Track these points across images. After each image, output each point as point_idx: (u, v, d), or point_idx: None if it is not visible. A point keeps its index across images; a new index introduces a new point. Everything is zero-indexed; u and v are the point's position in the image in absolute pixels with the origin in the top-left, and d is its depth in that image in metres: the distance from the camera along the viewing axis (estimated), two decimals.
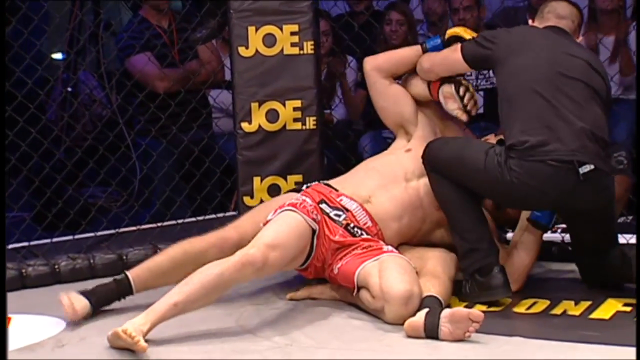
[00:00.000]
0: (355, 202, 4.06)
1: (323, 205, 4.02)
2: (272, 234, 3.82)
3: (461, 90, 4.17)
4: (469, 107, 4.18)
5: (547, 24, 4.06)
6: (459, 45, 4.11)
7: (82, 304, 3.88)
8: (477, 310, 3.55)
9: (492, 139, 4.18)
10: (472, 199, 3.95)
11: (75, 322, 3.87)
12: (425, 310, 3.63)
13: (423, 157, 4.06)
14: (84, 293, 3.92)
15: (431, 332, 3.56)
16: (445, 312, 3.57)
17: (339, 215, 4.02)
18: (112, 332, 3.55)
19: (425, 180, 4.09)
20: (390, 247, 3.98)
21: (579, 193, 3.77)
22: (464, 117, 4.20)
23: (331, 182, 4.19)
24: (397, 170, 4.16)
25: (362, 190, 4.09)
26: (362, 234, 4.00)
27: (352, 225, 4.01)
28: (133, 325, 3.54)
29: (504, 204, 4.13)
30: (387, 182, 4.10)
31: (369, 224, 4.04)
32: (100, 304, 3.94)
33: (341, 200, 4.06)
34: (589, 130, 3.78)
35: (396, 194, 4.09)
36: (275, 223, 3.89)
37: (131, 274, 3.99)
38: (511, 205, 4.13)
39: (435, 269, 3.93)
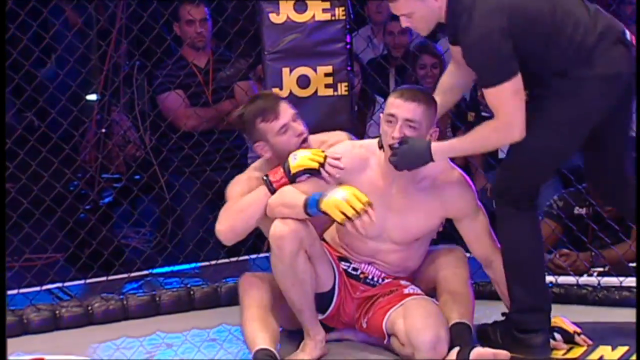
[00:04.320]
0: (362, 263, 4.00)
1: (343, 264, 3.98)
2: None
3: None
4: None
5: None
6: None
7: None
8: (503, 351, 3.55)
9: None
10: (542, 249, 3.85)
11: None
12: (456, 350, 3.65)
13: (493, 194, 3.85)
14: None
15: None
16: (473, 354, 3.60)
17: (356, 270, 3.98)
18: None
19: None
20: (412, 288, 3.94)
21: None
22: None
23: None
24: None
25: (361, 255, 3.99)
26: (381, 282, 3.97)
27: (370, 277, 3.98)
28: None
29: None
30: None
31: (384, 274, 3.99)
32: None
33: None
34: None
35: (390, 249, 3.95)
36: None
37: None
38: None
39: (452, 284, 3.90)
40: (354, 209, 3.63)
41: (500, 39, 3.56)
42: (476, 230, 3.89)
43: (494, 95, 3.61)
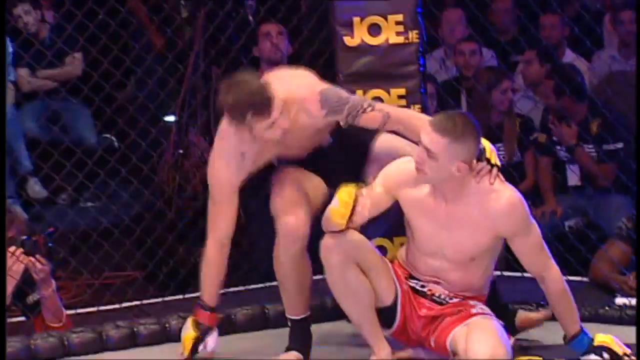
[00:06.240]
0: (429, 282, 3.97)
1: (413, 281, 3.97)
2: None
3: None
4: None
5: None
6: None
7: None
8: None
9: None
10: None
11: None
12: None
13: None
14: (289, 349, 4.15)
15: None
16: None
17: (424, 287, 3.96)
18: None
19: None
20: (480, 308, 3.91)
21: None
22: None
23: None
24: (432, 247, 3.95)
25: (425, 274, 3.98)
26: (448, 301, 3.94)
27: (437, 294, 3.95)
28: None
29: None
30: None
31: (452, 294, 3.95)
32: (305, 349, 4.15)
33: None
34: None
35: (448, 267, 3.92)
36: None
37: (290, 314, 4.23)
38: None
39: None
40: (345, 210, 3.78)
41: None
42: (528, 248, 3.84)
43: None
